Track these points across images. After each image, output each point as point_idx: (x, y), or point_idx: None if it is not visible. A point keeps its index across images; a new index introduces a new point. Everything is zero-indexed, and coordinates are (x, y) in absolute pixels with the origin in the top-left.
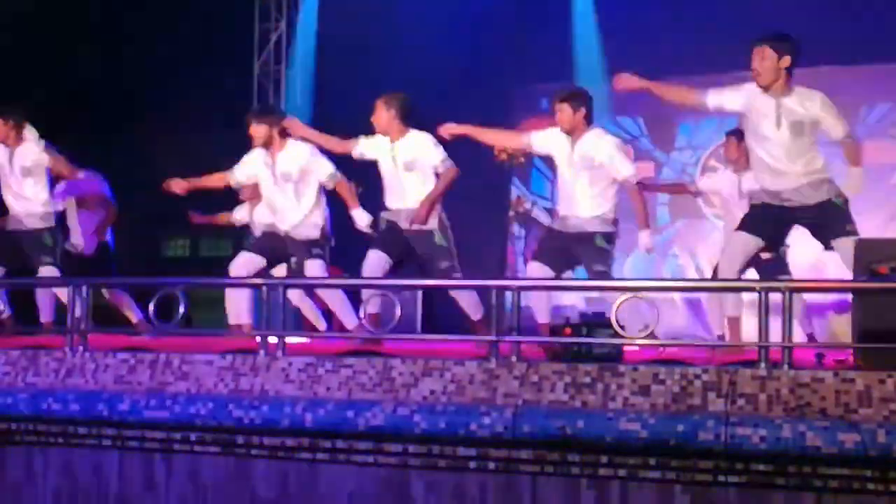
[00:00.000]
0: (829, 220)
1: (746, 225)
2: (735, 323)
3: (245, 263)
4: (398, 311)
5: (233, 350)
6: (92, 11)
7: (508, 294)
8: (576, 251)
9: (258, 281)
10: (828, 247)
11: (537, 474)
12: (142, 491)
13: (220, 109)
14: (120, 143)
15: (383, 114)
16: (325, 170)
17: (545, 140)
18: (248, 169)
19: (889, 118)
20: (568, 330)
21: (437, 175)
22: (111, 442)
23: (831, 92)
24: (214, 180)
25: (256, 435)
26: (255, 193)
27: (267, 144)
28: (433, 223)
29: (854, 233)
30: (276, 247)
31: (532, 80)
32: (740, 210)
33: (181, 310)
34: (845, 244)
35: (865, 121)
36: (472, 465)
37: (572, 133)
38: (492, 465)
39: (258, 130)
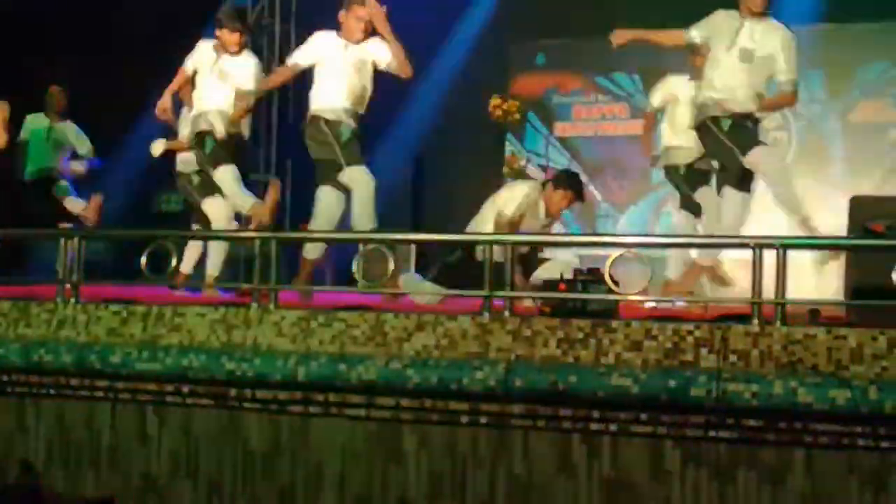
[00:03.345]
0: None
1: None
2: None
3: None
4: (391, 265)
5: (225, 303)
6: None
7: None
8: None
9: (250, 234)
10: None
11: (529, 429)
12: (134, 443)
13: None
14: (111, 95)
15: None
16: (252, 80)
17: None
18: (196, 58)
19: (885, 77)
20: (563, 286)
21: None
22: (103, 394)
23: (829, 50)
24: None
25: (249, 388)
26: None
27: (232, 51)
28: None
29: None
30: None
31: (529, 35)
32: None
33: (173, 262)
34: None
35: (862, 80)
36: (465, 419)
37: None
38: (484, 420)
39: (232, 37)
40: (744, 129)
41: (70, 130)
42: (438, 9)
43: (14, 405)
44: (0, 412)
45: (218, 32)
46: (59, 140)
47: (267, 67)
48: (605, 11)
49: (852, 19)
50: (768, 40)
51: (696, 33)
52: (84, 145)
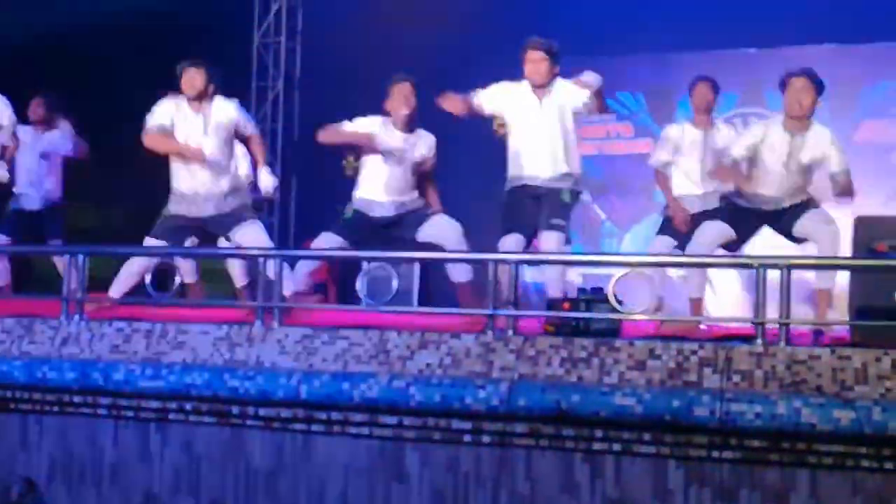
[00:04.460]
0: None
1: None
2: (698, 304)
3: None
4: (395, 284)
5: (229, 320)
6: None
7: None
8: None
9: (255, 252)
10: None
11: (532, 448)
12: (136, 461)
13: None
14: (119, 113)
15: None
16: (245, 119)
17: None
18: (164, 118)
19: (890, 97)
20: (567, 304)
21: None
22: (106, 411)
23: (834, 70)
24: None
25: (251, 406)
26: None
27: (199, 97)
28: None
29: None
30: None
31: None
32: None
33: (177, 279)
34: None
35: (866, 100)
36: (467, 438)
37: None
38: (486, 439)
39: (196, 80)
40: None
41: None
42: (444, 26)
43: (17, 422)
44: (4, 429)
45: None
46: None
47: (273, 86)
48: (608, 31)
49: (857, 39)
50: None
51: None
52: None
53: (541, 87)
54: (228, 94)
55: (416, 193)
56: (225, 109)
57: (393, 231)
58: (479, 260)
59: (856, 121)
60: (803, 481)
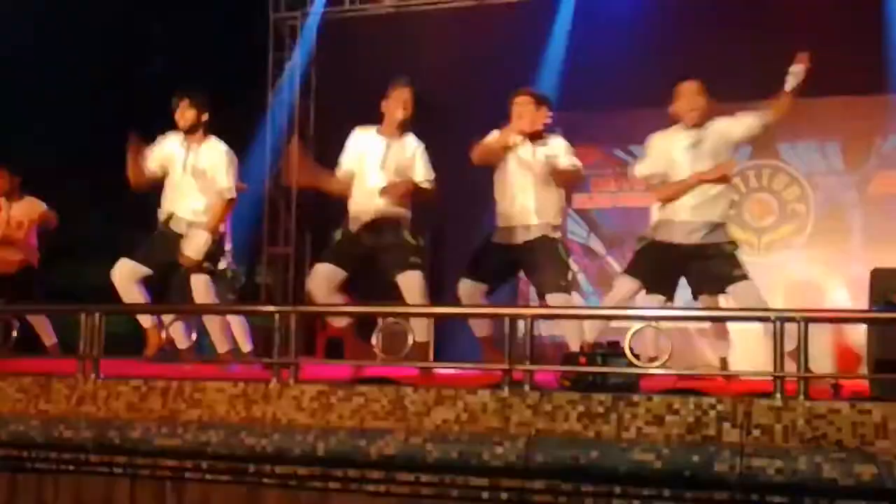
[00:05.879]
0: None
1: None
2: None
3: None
4: (411, 339)
5: (244, 378)
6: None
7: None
8: None
9: (270, 308)
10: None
11: None
12: None
13: (232, 131)
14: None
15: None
16: (226, 181)
17: None
18: (163, 152)
19: None
20: (583, 359)
21: None
22: (123, 470)
23: (848, 121)
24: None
25: (268, 463)
26: None
27: (191, 130)
28: None
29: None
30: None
31: None
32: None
33: (193, 336)
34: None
35: (880, 151)
36: (485, 494)
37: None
38: (504, 496)
39: (188, 113)
40: None
41: None
42: (456, 79)
43: (34, 481)
44: (20, 489)
45: None
46: None
47: (287, 142)
48: (619, 85)
49: (870, 91)
50: None
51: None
52: None
53: (524, 134)
54: (242, 148)
55: None
56: (209, 151)
57: None
58: (495, 315)
59: (869, 173)
60: None
